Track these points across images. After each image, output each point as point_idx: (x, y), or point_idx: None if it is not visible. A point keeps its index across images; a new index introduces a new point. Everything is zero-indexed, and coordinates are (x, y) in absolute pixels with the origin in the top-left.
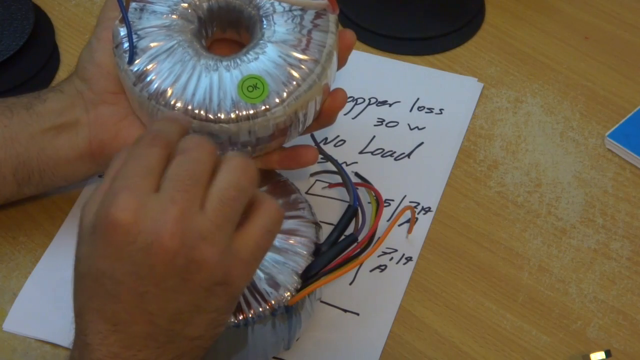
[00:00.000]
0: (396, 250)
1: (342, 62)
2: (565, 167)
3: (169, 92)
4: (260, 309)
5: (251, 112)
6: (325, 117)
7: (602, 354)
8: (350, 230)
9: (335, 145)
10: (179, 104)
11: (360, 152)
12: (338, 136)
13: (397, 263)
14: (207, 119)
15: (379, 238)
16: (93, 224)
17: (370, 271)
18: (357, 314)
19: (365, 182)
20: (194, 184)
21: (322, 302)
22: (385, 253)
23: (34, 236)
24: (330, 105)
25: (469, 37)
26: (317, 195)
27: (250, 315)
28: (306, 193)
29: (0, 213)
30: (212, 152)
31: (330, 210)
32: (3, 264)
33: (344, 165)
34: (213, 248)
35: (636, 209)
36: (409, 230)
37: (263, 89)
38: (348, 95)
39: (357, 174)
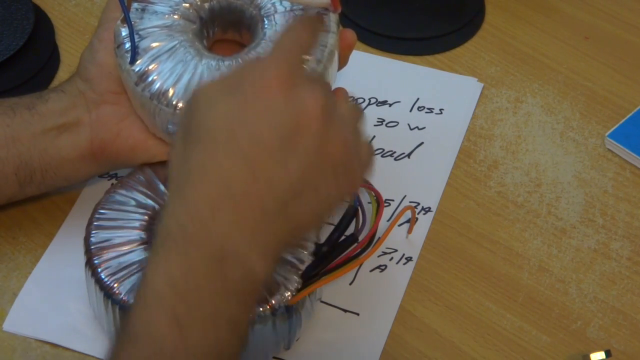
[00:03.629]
0: (396, 250)
1: (343, 62)
2: (565, 167)
3: (171, 92)
4: (261, 309)
5: None
6: None
7: (602, 354)
8: (350, 230)
9: None
10: (180, 104)
11: None
12: None
13: (397, 263)
14: None
15: (379, 238)
16: (238, 86)
17: (370, 271)
18: (357, 314)
19: (365, 182)
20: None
21: (322, 302)
22: (385, 253)
23: (34, 236)
24: None
25: (469, 37)
26: None
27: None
28: None
29: (0, 213)
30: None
31: None
32: (3, 264)
33: None
34: (346, 129)
35: (636, 209)
36: (409, 230)
37: None
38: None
39: None
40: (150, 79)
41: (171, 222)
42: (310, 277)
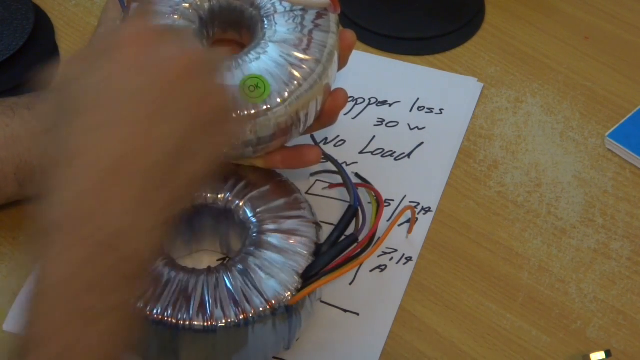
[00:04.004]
0: (396, 250)
1: (343, 63)
2: (565, 167)
3: None
4: (261, 309)
5: (252, 111)
6: (326, 117)
7: (602, 354)
8: (350, 230)
9: (335, 145)
10: None
11: (360, 152)
12: (338, 136)
13: (397, 263)
14: None
15: (379, 238)
16: (105, 46)
17: (370, 271)
18: (357, 314)
19: (365, 183)
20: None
21: (322, 302)
22: (385, 253)
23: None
24: (331, 105)
25: (469, 37)
26: (317, 195)
27: (250, 315)
28: (306, 193)
29: (0, 213)
30: None
31: (331, 210)
32: (3, 264)
33: (344, 165)
34: (218, 79)
35: (636, 209)
36: (409, 230)
37: (264, 89)
38: (348, 95)
39: (357, 175)
40: None
41: (52, 212)
42: (310, 277)
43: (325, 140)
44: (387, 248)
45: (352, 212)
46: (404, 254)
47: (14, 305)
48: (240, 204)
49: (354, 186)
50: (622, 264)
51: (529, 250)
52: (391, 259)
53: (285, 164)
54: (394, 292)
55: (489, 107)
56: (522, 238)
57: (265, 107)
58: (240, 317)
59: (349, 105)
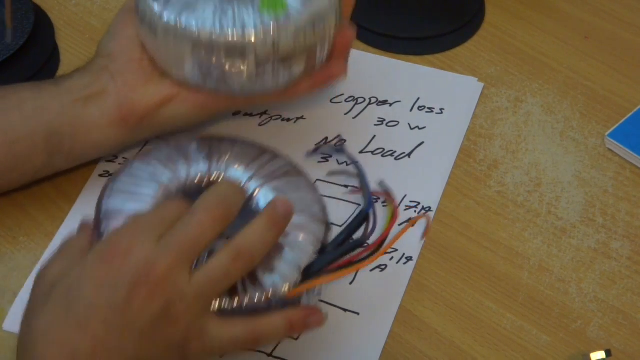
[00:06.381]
0: (396, 250)
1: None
2: (565, 167)
3: (199, 17)
4: (256, 299)
5: (274, 24)
6: (338, 50)
7: (602, 354)
8: (360, 234)
9: (335, 145)
10: (208, 27)
11: (361, 152)
12: (338, 136)
13: (397, 263)
14: (233, 34)
15: (381, 244)
16: (94, 250)
17: (371, 271)
18: (357, 314)
19: (386, 191)
20: (191, 248)
21: (322, 301)
22: (385, 253)
23: (34, 236)
24: (342, 39)
25: (469, 37)
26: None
27: (245, 303)
28: (323, 196)
29: (0, 213)
30: (224, 217)
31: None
32: (3, 264)
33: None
34: (187, 314)
35: (636, 208)
36: (423, 235)
37: (283, 4)
38: (348, 96)
39: (381, 183)
40: (187, 13)
41: None
42: (311, 274)
43: (326, 140)
44: None
45: (362, 216)
46: (404, 254)
47: (14, 305)
48: (254, 194)
49: (370, 191)
50: (622, 264)
51: (529, 249)
52: (391, 258)
53: (314, 85)
54: (394, 291)
55: (489, 106)
56: (522, 238)
57: (285, 19)
58: (234, 305)
59: (349, 104)
